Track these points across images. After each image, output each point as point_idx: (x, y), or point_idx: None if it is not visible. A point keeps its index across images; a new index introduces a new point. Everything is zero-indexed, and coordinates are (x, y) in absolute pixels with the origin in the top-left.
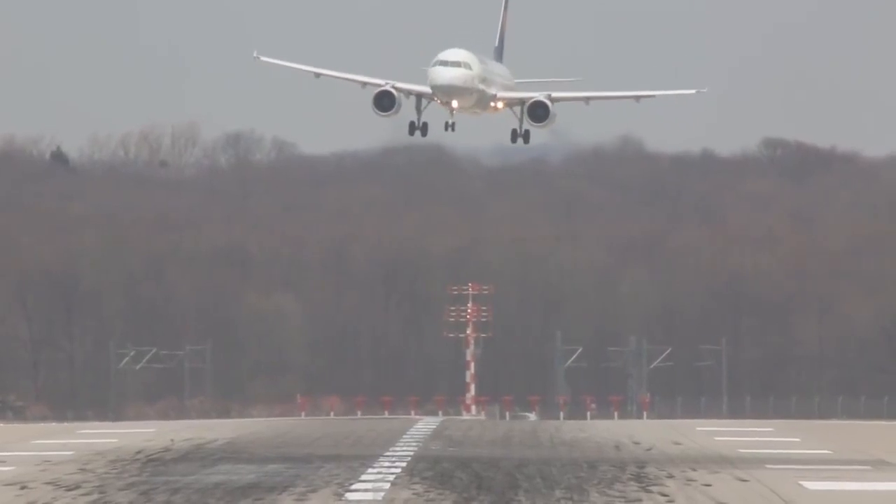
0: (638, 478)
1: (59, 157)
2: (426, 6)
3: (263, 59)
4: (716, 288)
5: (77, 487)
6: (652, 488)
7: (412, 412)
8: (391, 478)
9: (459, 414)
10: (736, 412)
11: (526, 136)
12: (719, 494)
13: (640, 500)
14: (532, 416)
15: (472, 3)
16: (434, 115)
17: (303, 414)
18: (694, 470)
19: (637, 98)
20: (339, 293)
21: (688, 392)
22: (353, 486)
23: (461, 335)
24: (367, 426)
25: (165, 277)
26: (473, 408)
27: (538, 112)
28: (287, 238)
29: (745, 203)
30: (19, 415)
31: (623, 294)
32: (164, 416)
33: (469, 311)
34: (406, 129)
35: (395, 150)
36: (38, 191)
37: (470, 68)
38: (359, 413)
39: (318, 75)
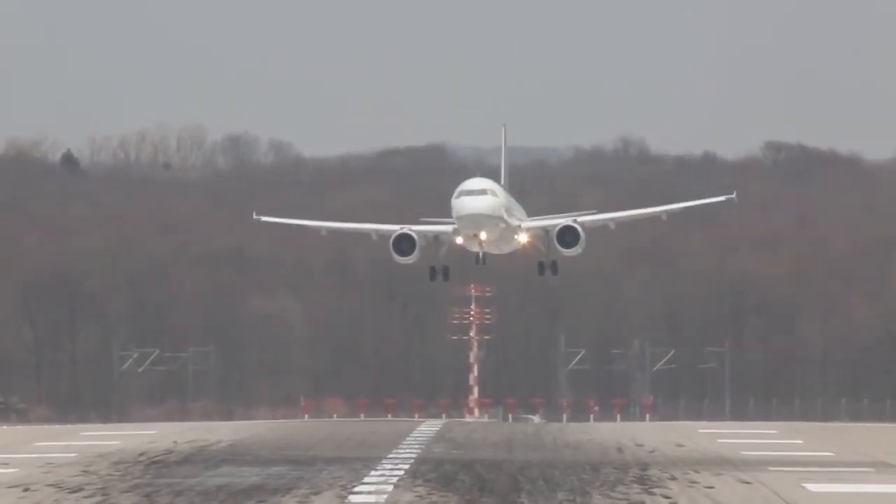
0: (641, 480)
1: (69, 159)
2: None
3: (264, 219)
4: (719, 290)
5: (80, 490)
6: (655, 490)
7: (415, 414)
8: (394, 480)
9: (462, 416)
10: (739, 414)
11: (554, 267)
12: (722, 497)
13: (642, 502)
14: (536, 419)
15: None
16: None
17: (306, 416)
18: (697, 472)
19: (665, 214)
20: (342, 295)
21: (691, 394)
22: (357, 489)
23: (464, 337)
24: (370, 428)
25: (169, 279)
26: (477, 410)
27: (567, 238)
28: (290, 240)
29: (748, 205)
30: (22, 417)
31: (626, 296)
32: (168, 418)
33: (472, 312)
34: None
35: (396, 153)
36: (41, 192)
37: (496, 195)
38: (362, 415)
39: (324, 231)
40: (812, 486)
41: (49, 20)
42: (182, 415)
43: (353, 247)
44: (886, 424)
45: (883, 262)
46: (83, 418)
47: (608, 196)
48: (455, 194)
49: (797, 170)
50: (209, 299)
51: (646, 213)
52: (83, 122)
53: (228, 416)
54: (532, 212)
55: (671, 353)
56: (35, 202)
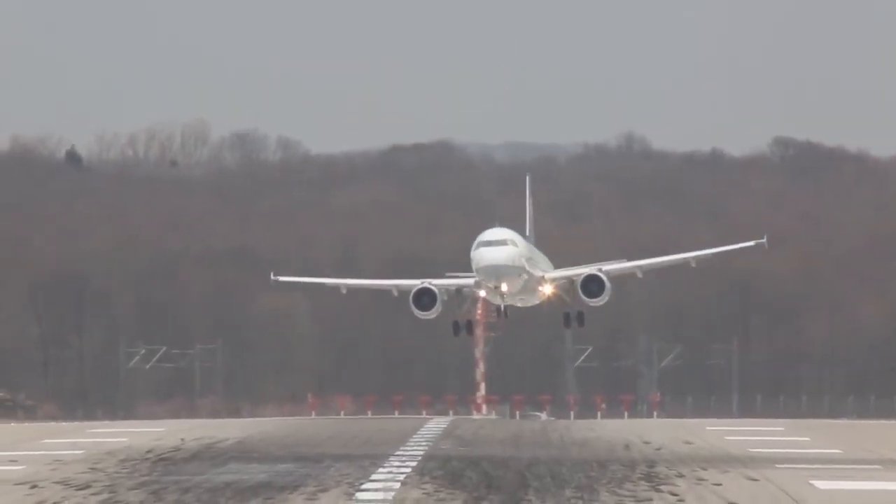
0: (648, 477)
1: (73, 156)
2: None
3: (282, 279)
4: (726, 287)
5: (87, 487)
6: (662, 487)
7: (423, 412)
8: (401, 477)
9: (470, 413)
10: (746, 411)
11: (580, 318)
12: (730, 494)
13: (650, 499)
14: (543, 416)
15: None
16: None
17: (313, 413)
18: (704, 469)
19: (694, 260)
20: (349, 292)
21: (698, 391)
22: (364, 486)
23: (471, 334)
24: (377, 426)
25: (176, 276)
26: (484, 407)
27: (592, 287)
28: (296, 237)
29: (755, 202)
30: (30, 414)
31: (633, 293)
32: (175, 415)
33: (479, 309)
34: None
35: (403, 149)
36: (47, 190)
37: (516, 245)
38: (369, 412)
39: (344, 289)
40: (820, 484)
41: (52, 19)
42: (189, 412)
43: (360, 244)
44: (894, 422)
45: (890, 259)
46: (90, 415)
47: (615, 193)
48: (474, 245)
49: (804, 166)
50: (216, 296)
51: (674, 260)
52: (89, 121)
53: (235, 414)
54: (540, 208)
55: (678, 349)
56: (41, 200)
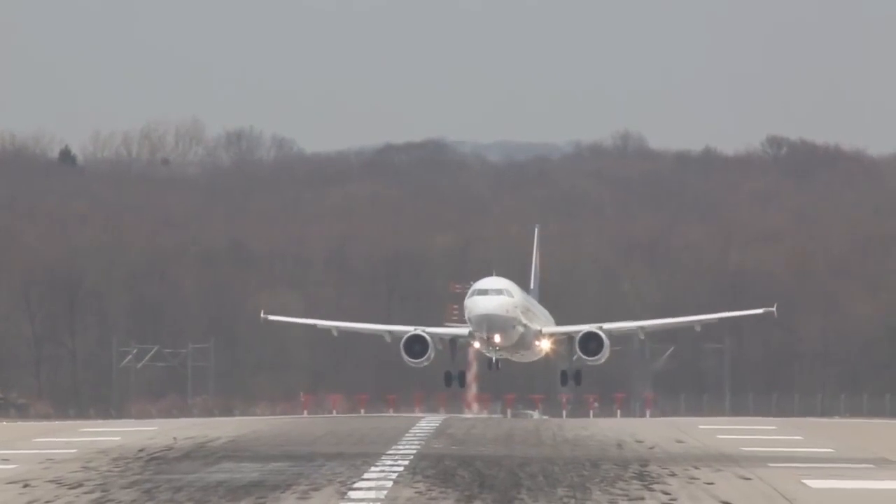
0: (640, 476)
1: (66, 155)
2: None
3: (271, 318)
4: (718, 286)
5: (79, 486)
6: (654, 487)
7: (415, 410)
8: (394, 476)
9: (462, 412)
10: (739, 410)
11: (577, 377)
12: (722, 493)
13: (642, 498)
14: (536, 415)
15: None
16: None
17: (306, 412)
18: (696, 468)
19: (698, 325)
20: (341, 290)
21: (690, 390)
22: (356, 485)
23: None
24: (369, 424)
25: (168, 275)
26: (475, 405)
27: (591, 345)
28: (289, 236)
29: (749, 201)
30: (22, 412)
31: (625, 291)
32: (167, 414)
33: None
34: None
35: (396, 148)
36: (41, 189)
37: (511, 296)
38: (362, 411)
39: (335, 331)
40: (812, 482)
41: (48, 19)
42: (182, 411)
43: (353, 241)
44: (886, 420)
45: (883, 258)
46: (82, 414)
47: (609, 191)
48: (469, 293)
49: (798, 165)
50: (210, 295)
51: (679, 323)
52: (84, 120)
53: (228, 412)
54: (534, 206)
55: (671, 348)
56: (35, 198)
